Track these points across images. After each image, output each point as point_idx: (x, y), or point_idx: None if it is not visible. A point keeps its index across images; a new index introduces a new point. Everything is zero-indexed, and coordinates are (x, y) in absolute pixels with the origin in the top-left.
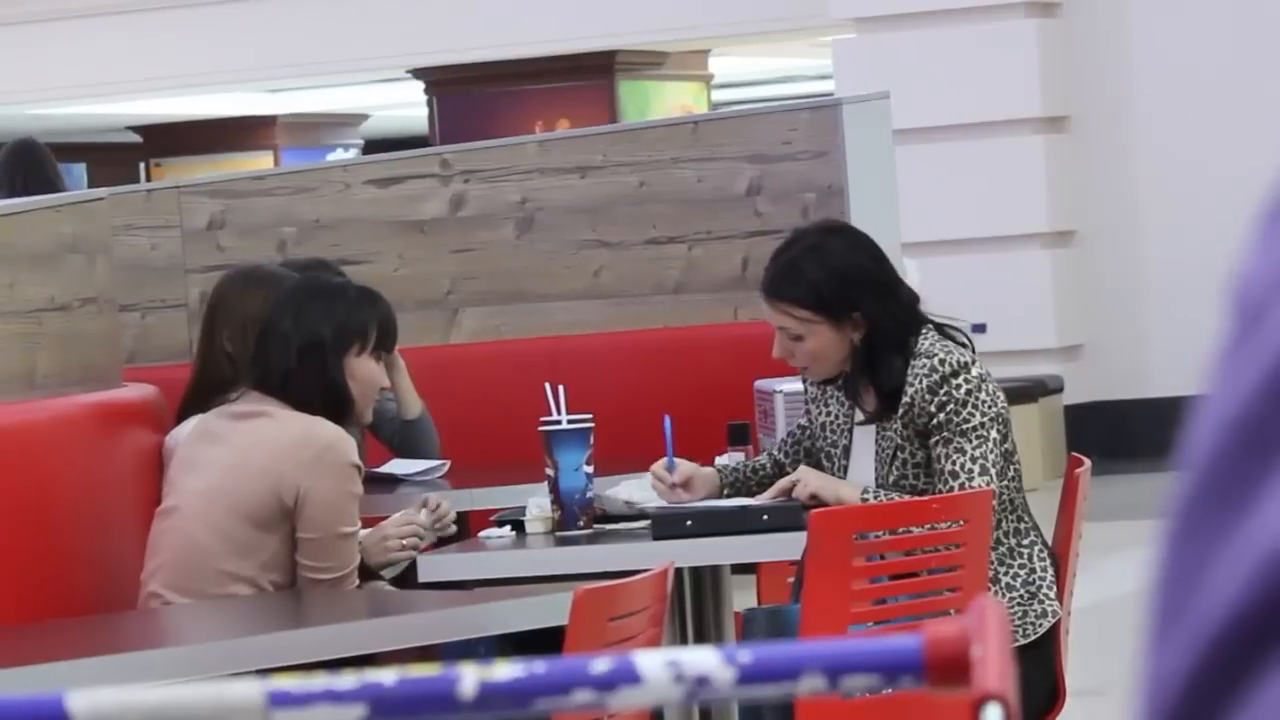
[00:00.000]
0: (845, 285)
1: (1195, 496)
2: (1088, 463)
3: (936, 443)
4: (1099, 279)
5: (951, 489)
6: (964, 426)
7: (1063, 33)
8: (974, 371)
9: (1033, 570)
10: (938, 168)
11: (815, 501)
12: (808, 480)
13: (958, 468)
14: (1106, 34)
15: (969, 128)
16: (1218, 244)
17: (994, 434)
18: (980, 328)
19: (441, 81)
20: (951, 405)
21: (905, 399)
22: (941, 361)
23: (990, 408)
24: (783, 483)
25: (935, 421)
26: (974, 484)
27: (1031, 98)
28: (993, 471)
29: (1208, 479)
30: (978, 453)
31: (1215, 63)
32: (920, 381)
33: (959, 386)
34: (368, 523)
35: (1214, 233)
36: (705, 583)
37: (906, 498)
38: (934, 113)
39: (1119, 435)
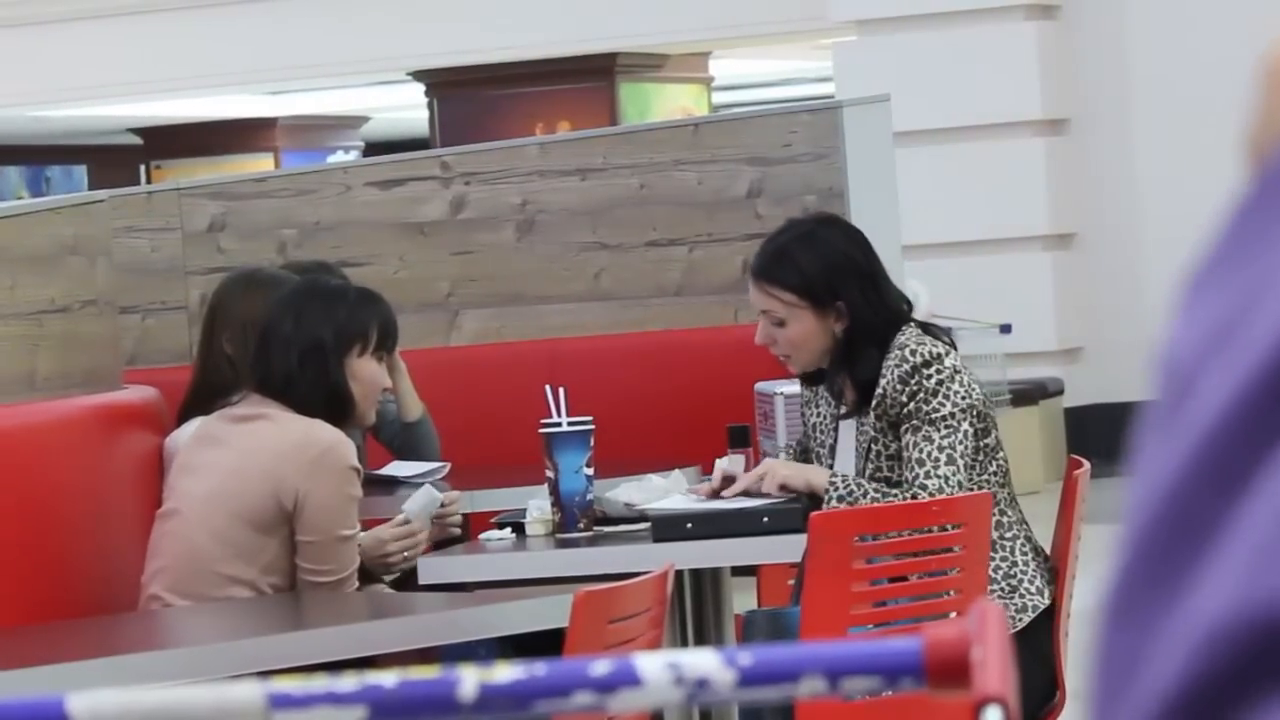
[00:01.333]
0: (831, 273)
1: (1129, 575)
2: (1087, 465)
3: (906, 430)
4: (1099, 282)
5: (916, 475)
6: (933, 415)
7: (1062, 35)
8: (947, 363)
9: (1014, 564)
10: (938, 170)
11: (786, 491)
12: (775, 471)
13: (924, 455)
14: (1106, 37)
15: (969, 130)
16: None
17: (965, 426)
18: (1006, 328)
19: (442, 84)
20: (922, 394)
21: (878, 390)
22: (913, 352)
23: (963, 399)
24: (749, 476)
25: (905, 411)
26: (939, 473)
27: (1031, 100)
28: (960, 463)
29: (1141, 557)
30: (945, 442)
31: (1214, 65)
32: (892, 373)
33: (929, 377)
34: (367, 525)
35: None
36: (705, 585)
37: (875, 486)
38: (934, 115)
39: (1119, 438)
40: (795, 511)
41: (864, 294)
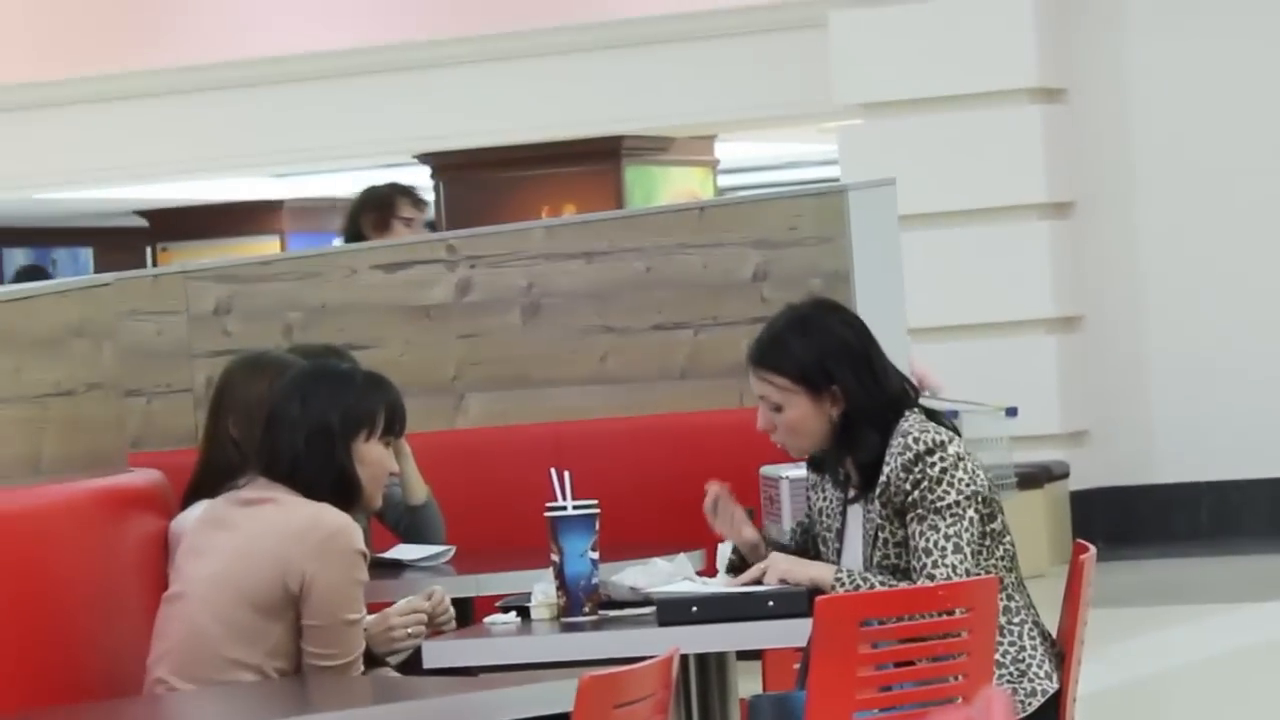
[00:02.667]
0: (825, 357)
1: None
2: (1092, 549)
3: (911, 520)
4: (1105, 365)
5: (924, 565)
6: (938, 504)
7: (1067, 119)
8: (950, 450)
9: (1022, 648)
10: (943, 253)
11: (798, 586)
12: (776, 565)
13: (931, 545)
14: (1111, 121)
15: (974, 214)
16: (1223, 330)
17: (970, 512)
18: (1013, 411)
19: (448, 166)
20: (926, 483)
21: (882, 478)
22: (915, 440)
23: (967, 486)
24: (752, 571)
25: (910, 499)
26: (947, 561)
27: (1036, 184)
28: (967, 550)
29: None
30: (951, 530)
31: (1220, 150)
32: (895, 460)
33: (933, 465)
34: (373, 609)
35: (1219, 319)
36: (711, 669)
37: (880, 579)
38: (939, 199)
39: (1124, 521)
40: (800, 595)
41: (859, 378)
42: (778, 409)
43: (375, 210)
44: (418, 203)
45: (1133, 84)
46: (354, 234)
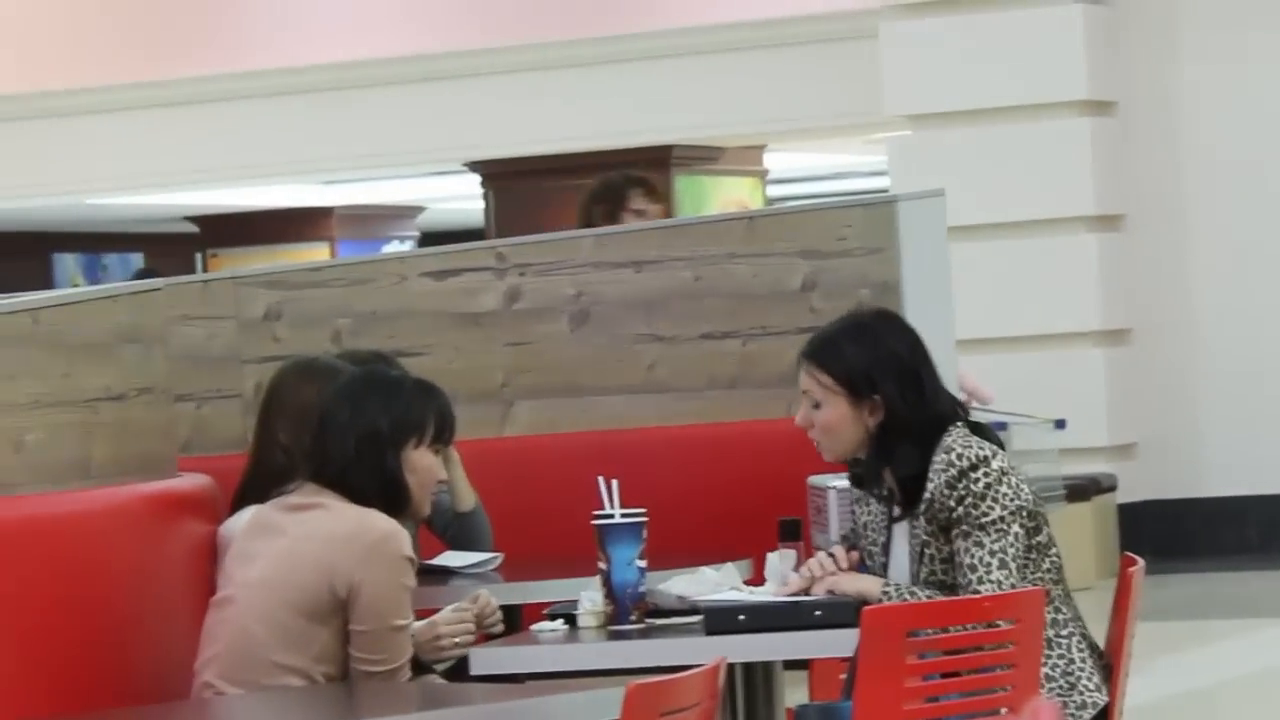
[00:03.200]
0: (873, 367)
1: None
2: (1141, 562)
3: (956, 536)
4: (1153, 377)
5: (970, 581)
6: (982, 520)
7: (1118, 131)
8: (994, 465)
9: (1071, 660)
10: (992, 265)
11: (846, 597)
12: (825, 576)
13: (976, 561)
14: (1161, 133)
15: (1023, 225)
16: (1271, 344)
17: (1015, 528)
18: (1061, 424)
19: (498, 174)
20: (970, 499)
21: (926, 494)
22: (959, 456)
23: (1011, 501)
24: (799, 580)
25: (955, 515)
26: (991, 578)
27: (1086, 196)
28: (1012, 566)
29: None
30: (996, 546)
31: (1270, 164)
32: (939, 476)
33: (977, 480)
34: (420, 615)
35: (1267, 332)
36: (757, 678)
37: (927, 593)
38: (988, 210)
39: (1173, 535)
40: (848, 606)
41: (902, 391)
42: (817, 406)
43: (606, 201)
44: (651, 193)
45: (1182, 97)
46: (585, 224)
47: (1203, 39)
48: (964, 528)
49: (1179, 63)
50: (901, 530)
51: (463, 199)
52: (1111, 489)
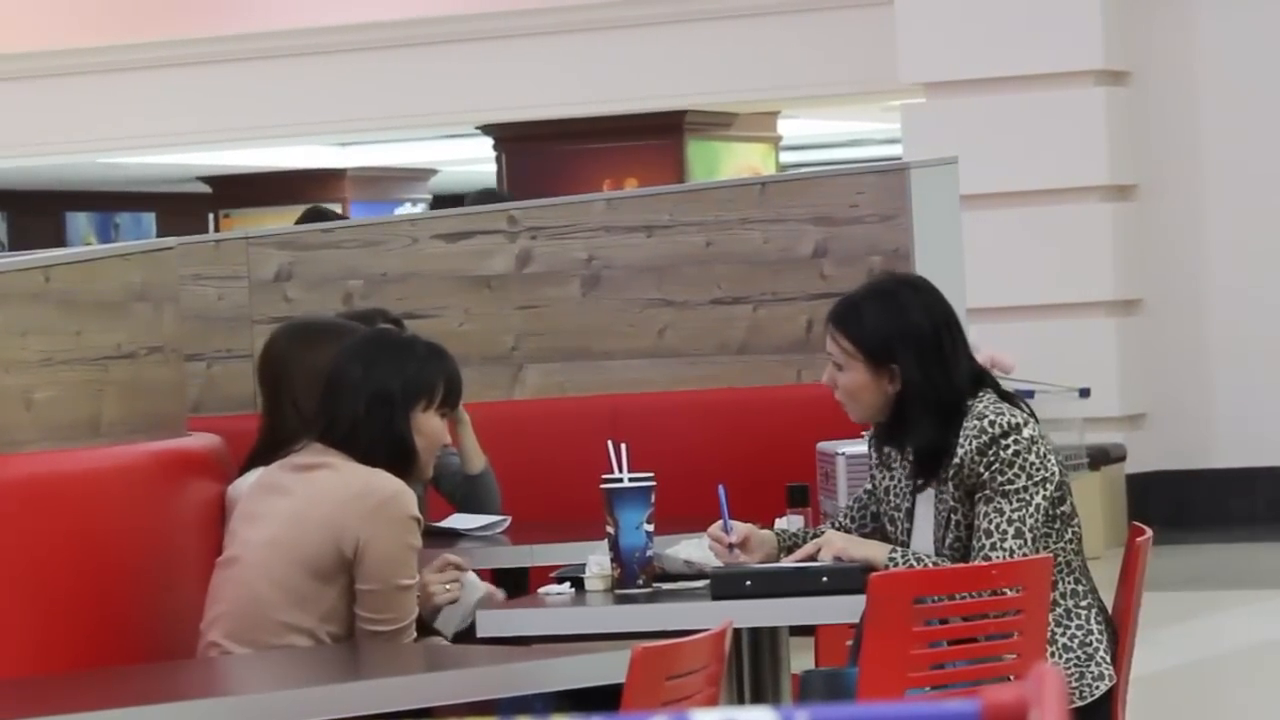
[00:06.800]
0: (892, 336)
1: None
2: (1149, 532)
3: (979, 500)
4: (1164, 348)
5: (983, 546)
6: (1006, 488)
7: (1132, 101)
8: (1025, 433)
9: (1089, 632)
10: (1004, 233)
11: (853, 563)
12: (832, 543)
13: (992, 527)
14: (1176, 103)
15: (1036, 194)
16: None
17: (1038, 498)
18: (1085, 392)
19: (510, 138)
20: (997, 465)
21: (955, 460)
22: (991, 423)
23: (1038, 471)
24: (807, 548)
25: (981, 480)
26: (1006, 545)
27: (1099, 165)
28: (1028, 536)
29: None
30: (1015, 515)
31: None
32: (970, 443)
33: (1007, 448)
34: None
35: None
36: (763, 643)
37: (934, 560)
38: (1002, 179)
39: (1181, 505)
40: (855, 572)
41: (921, 364)
42: (840, 369)
43: None
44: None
45: (1198, 68)
46: None
47: (1218, 9)
48: (987, 492)
49: (1194, 33)
50: (926, 497)
51: (475, 162)
52: (1121, 459)
